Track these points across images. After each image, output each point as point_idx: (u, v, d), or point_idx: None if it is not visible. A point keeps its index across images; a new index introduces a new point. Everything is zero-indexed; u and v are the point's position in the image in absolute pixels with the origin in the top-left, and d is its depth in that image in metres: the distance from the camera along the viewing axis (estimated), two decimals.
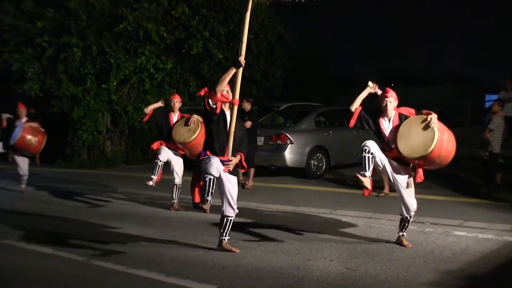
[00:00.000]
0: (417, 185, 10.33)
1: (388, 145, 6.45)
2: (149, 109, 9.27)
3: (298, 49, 23.28)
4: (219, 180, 5.95)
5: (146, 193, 10.32)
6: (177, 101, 9.17)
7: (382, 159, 6.36)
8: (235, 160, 6.01)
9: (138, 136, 17.69)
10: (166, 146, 8.95)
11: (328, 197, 10.10)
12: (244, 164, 6.26)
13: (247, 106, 11.28)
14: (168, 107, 9.32)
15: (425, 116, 6.25)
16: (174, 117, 9.07)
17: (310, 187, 11.31)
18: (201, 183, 5.83)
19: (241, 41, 6.08)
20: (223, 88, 5.92)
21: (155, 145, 9.04)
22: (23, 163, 11.42)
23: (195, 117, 8.61)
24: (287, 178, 12.58)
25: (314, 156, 12.54)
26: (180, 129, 8.62)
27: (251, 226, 7.60)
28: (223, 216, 6.12)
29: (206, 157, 5.93)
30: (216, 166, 5.77)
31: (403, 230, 6.64)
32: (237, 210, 6.15)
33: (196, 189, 6.03)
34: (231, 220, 6.15)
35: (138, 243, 6.77)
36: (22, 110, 11.44)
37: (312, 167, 12.51)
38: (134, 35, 16.26)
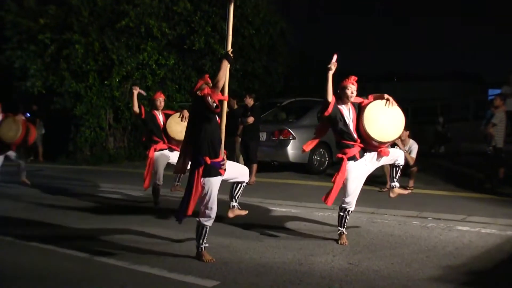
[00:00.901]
0: (421, 180, 10.48)
1: (351, 135, 6.37)
2: (136, 104, 8.72)
3: (301, 45, 23.34)
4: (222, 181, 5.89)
5: (148, 190, 10.30)
6: (162, 99, 9.02)
7: (363, 177, 6.53)
8: (225, 159, 5.89)
9: (141, 132, 17.69)
10: (160, 149, 8.81)
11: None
12: None
13: (250, 101, 11.27)
14: (153, 106, 8.99)
15: (382, 101, 6.36)
16: (160, 115, 8.89)
17: (312, 183, 11.29)
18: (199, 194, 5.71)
19: (226, 33, 5.97)
20: (222, 84, 5.69)
21: (151, 153, 8.84)
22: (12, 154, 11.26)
23: (187, 112, 8.51)
24: (290, 174, 12.57)
25: (317, 152, 12.52)
26: (177, 127, 8.50)
27: (253, 222, 7.59)
28: (240, 182, 6.18)
29: (208, 179, 5.67)
30: (215, 214, 5.77)
31: (397, 178, 6.71)
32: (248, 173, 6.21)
33: (192, 202, 5.73)
34: (243, 184, 6.22)
35: (140, 239, 6.77)
36: None
37: (315, 163, 12.49)
38: (136, 31, 16.30)
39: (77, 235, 7.09)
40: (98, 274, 5.49)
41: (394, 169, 6.70)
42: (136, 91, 8.85)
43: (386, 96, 6.38)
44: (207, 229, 5.77)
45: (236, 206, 6.28)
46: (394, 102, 6.37)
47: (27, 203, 9.84)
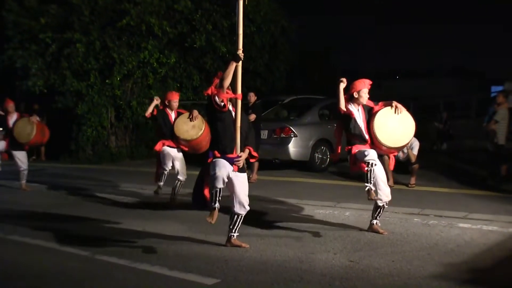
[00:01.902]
0: (422, 177, 10.46)
1: (362, 135, 6.58)
2: (149, 111, 8.91)
3: (303, 42, 23.32)
4: (229, 180, 5.86)
5: (150, 188, 10.30)
6: (176, 101, 9.01)
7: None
8: (244, 155, 5.91)
9: (143, 131, 17.68)
10: (168, 145, 8.85)
11: (332, 190, 10.08)
12: (254, 154, 6.14)
13: (252, 99, 11.27)
14: (168, 106, 8.96)
15: (391, 108, 6.51)
16: (172, 113, 8.90)
17: (314, 180, 11.29)
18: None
19: (237, 33, 5.96)
20: (228, 83, 5.73)
21: (158, 147, 8.87)
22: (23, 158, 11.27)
23: (196, 112, 8.52)
24: (291, 172, 12.57)
25: (318, 149, 12.53)
26: (184, 126, 8.48)
27: (254, 219, 7.59)
28: (234, 213, 6.08)
29: (214, 160, 5.81)
30: (222, 175, 5.72)
31: (378, 217, 6.82)
32: (248, 208, 6.08)
33: (206, 190, 5.94)
34: (242, 217, 6.12)
35: (141, 237, 6.77)
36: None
37: (316, 160, 12.49)
38: (137, 29, 16.27)
39: (79, 234, 7.08)
40: (99, 272, 5.49)
41: (378, 209, 6.76)
42: (157, 101, 8.91)
43: (394, 103, 6.50)
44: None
45: (235, 237, 6.21)
46: (403, 109, 6.51)
47: (29, 202, 9.84)
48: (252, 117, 11.02)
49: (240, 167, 5.90)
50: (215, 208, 5.76)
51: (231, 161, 5.80)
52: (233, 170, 5.84)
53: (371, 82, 6.64)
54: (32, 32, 16.72)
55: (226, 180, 5.79)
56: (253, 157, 6.15)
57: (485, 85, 38.06)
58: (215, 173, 5.70)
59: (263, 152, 11.86)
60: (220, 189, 5.74)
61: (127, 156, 17.43)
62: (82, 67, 16.49)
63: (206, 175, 5.93)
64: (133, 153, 17.50)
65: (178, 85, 17.76)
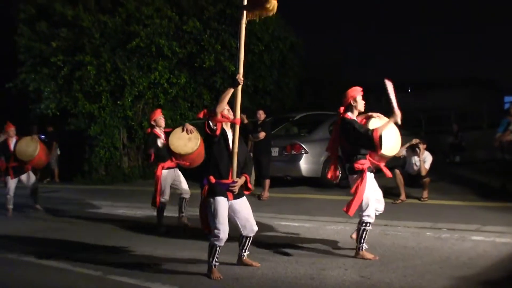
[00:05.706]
0: (435, 190, 10.37)
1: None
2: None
3: (312, 57, 23.38)
4: (230, 207, 5.78)
5: None
6: (161, 117, 8.93)
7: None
8: (240, 182, 5.76)
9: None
10: (168, 167, 8.77)
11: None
12: (250, 186, 5.98)
13: (262, 116, 11.29)
14: (156, 125, 8.86)
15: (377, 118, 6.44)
16: (161, 134, 8.80)
17: (325, 196, 11.25)
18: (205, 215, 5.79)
19: (238, 57, 5.75)
20: (223, 108, 5.64)
21: (159, 171, 8.75)
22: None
23: (188, 125, 8.51)
24: (303, 188, 12.53)
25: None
26: (180, 142, 8.44)
27: (266, 237, 7.59)
28: (243, 236, 6.05)
29: (213, 199, 5.65)
30: (225, 232, 5.65)
31: (363, 240, 6.34)
32: (256, 229, 6.03)
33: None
34: (251, 238, 6.09)
35: (152, 257, 6.80)
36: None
37: None
38: (147, 51, 16.43)
39: (92, 254, 7.12)
40: None
41: (360, 231, 6.33)
42: None
43: (376, 114, 6.45)
44: (218, 249, 5.69)
45: (245, 256, 6.18)
46: (382, 116, 6.40)
47: (42, 223, 9.93)
48: (262, 134, 11.06)
49: (235, 193, 5.75)
50: (216, 266, 5.75)
51: (226, 187, 5.67)
52: (229, 199, 5.71)
53: (362, 89, 6.53)
54: (43, 56, 16.95)
55: (226, 234, 5.68)
56: (247, 188, 5.95)
57: (499, 95, 37.92)
58: (219, 235, 5.61)
59: (274, 169, 11.88)
60: (220, 247, 5.71)
61: (139, 176, 17.49)
62: (94, 89, 16.66)
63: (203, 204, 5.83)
64: (145, 173, 17.55)
65: (189, 104, 17.88)
